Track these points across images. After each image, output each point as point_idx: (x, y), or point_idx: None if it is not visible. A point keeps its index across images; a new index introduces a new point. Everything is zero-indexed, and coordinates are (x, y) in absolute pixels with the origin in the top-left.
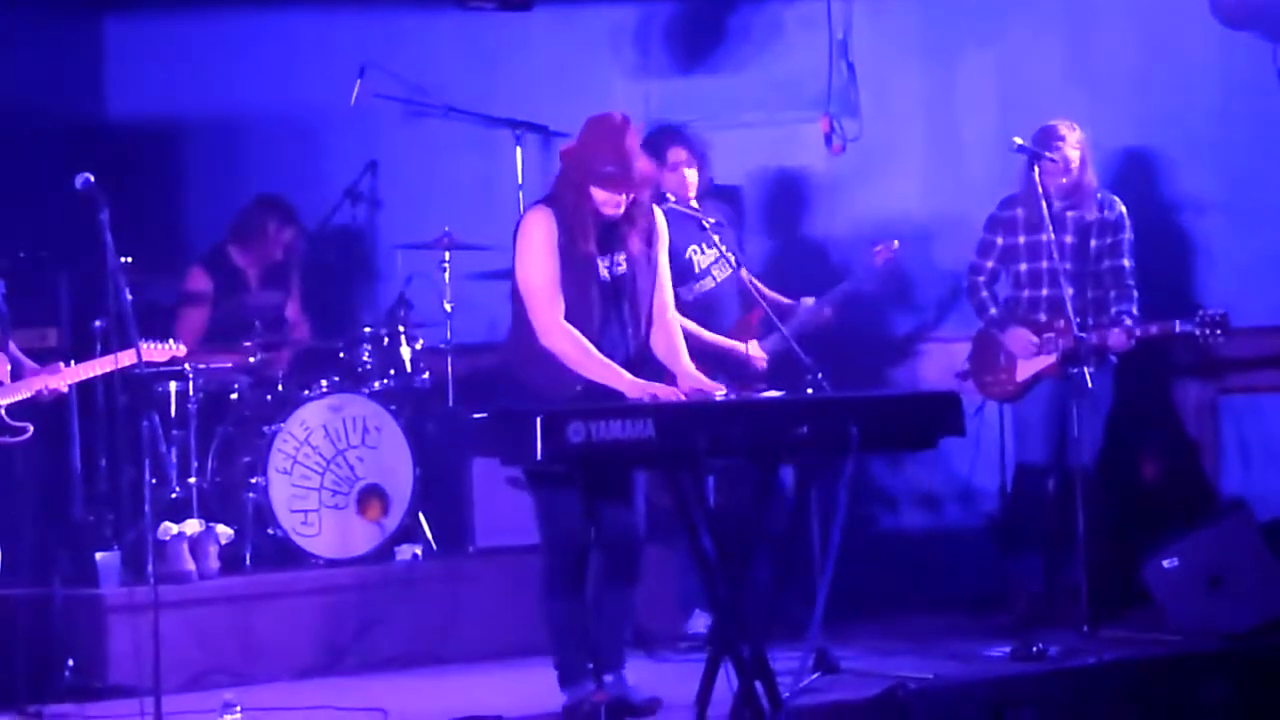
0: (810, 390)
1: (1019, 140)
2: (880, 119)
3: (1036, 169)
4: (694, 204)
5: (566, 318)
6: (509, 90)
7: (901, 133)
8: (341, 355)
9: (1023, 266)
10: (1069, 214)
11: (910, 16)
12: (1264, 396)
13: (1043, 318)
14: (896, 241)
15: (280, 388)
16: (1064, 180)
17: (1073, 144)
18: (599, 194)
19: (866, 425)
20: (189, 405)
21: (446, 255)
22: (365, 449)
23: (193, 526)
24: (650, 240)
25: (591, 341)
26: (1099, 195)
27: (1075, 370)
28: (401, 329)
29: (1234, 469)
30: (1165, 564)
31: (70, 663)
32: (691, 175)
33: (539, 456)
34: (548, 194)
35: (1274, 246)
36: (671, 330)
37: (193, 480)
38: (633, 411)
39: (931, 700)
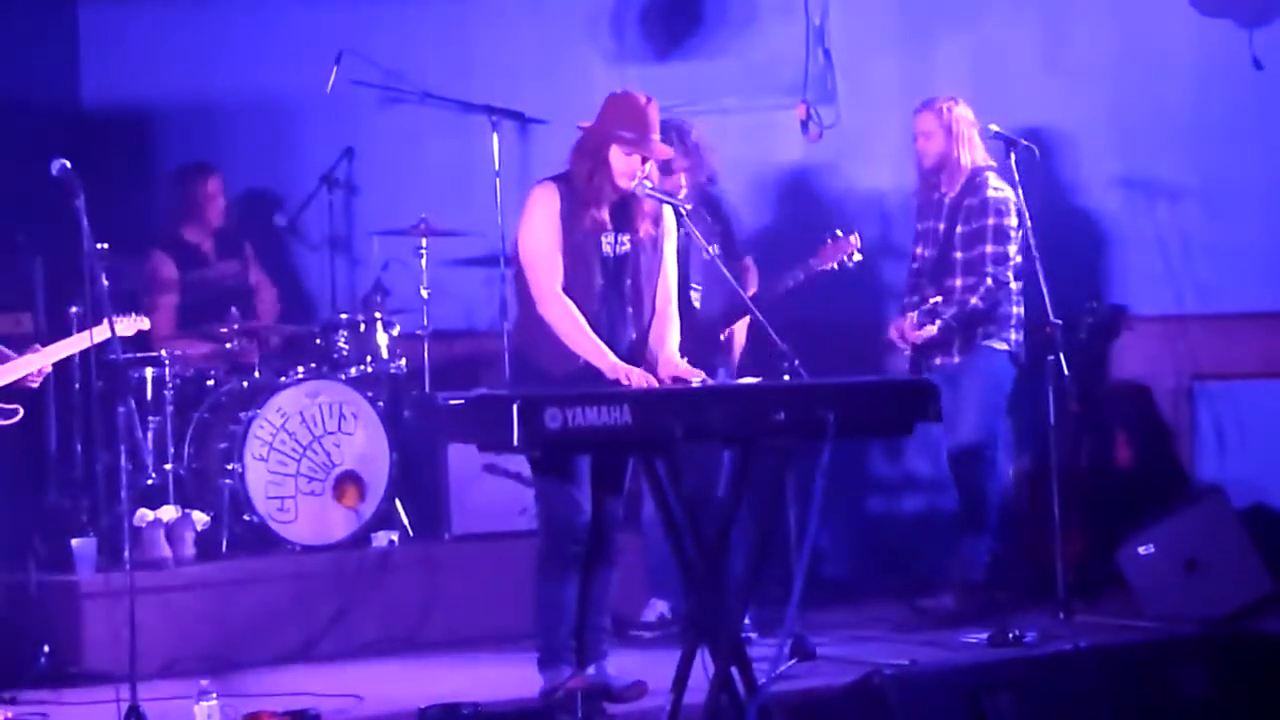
0: (787, 377)
1: (995, 128)
2: (857, 106)
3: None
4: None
5: (566, 290)
6: (485, 76)
7: (878, 120)
8: (318, 341)
9: (919, 250)
10: (948, 197)
11: (887, 2)
12: (1239, 383)
13: (911, 313)
14: (856, 237)
15: (256, 374)
16: (927, 158)
17: (929, 121)
18: (617, 160)
19: (843, 411)
20: (165, 391)
21: (423, 242)
22: (341, 435)
23: (169, 513)
24: (657, 225)
25: (591, 318)
26: (977, 178)
27: (937, 362)
28: (378, 315)
29: (1210, 455)
30: (1141, 550)
31: (46, 649)
32: (682, 179)
33: (515, 443)
34: (557, 173)
35: (1249, 233)
36: (666, 321)
37: (169, 466)
38: (609, 398)
39: (908, 686)
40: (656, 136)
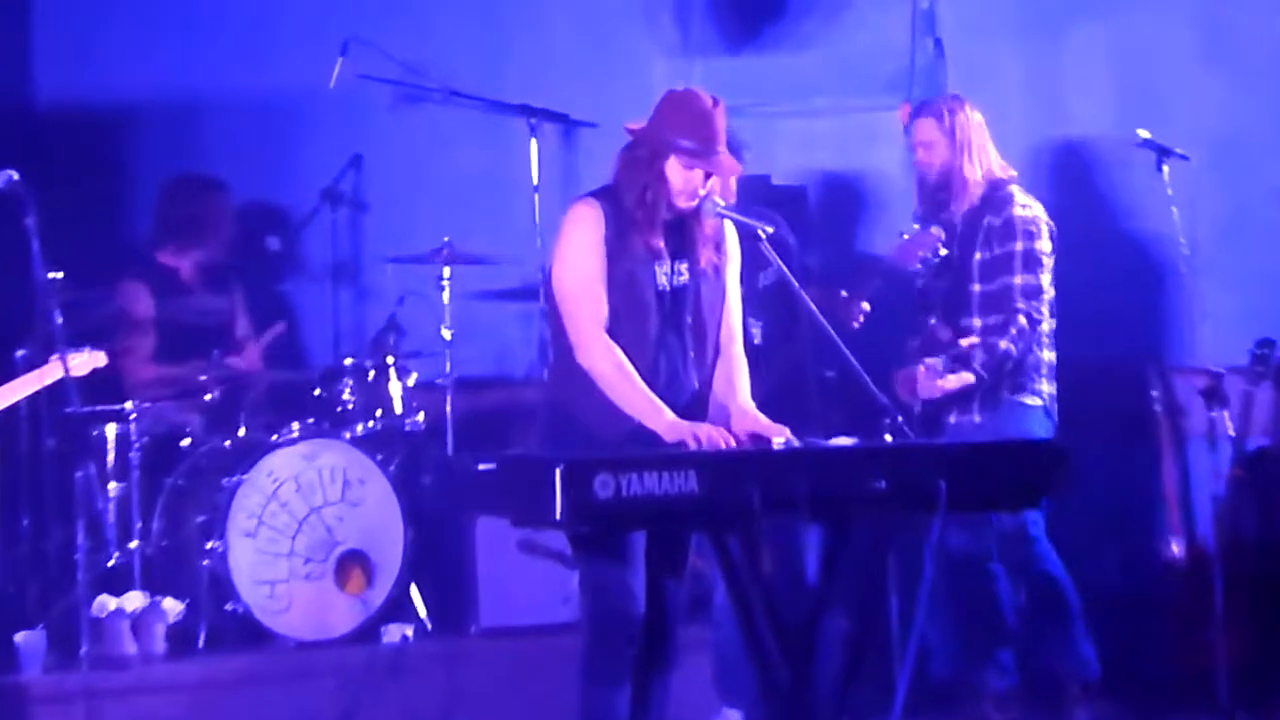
0: (889, 436)
1: (1143, 133)
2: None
3: None
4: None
5: (613, 333)
6: (522, 71)
7: (999, 122)
8: (317, 392)
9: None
10: (958, 218)
11: None
12: None
13: (923, 355)
14: (939, 229)
15: (242, 431)
16: (929, 171)
17: (932, 129)
18: (675, 174)
19: (958, 479)
20: (131, 452)
21: (446, 271)
22: (346, 506)
23: (135, 600)
24: (719, 250)
25: (644, 366)
26: (998, 194)
27: (951, 420)
28: (390, 360)
29: None
30: None
31: None
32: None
33: (558, 516)
34: (601, 186)
35: None
36: (734, 365)
37: (135, 544)
38: (673, 461)
39: None
40: (723, 147)
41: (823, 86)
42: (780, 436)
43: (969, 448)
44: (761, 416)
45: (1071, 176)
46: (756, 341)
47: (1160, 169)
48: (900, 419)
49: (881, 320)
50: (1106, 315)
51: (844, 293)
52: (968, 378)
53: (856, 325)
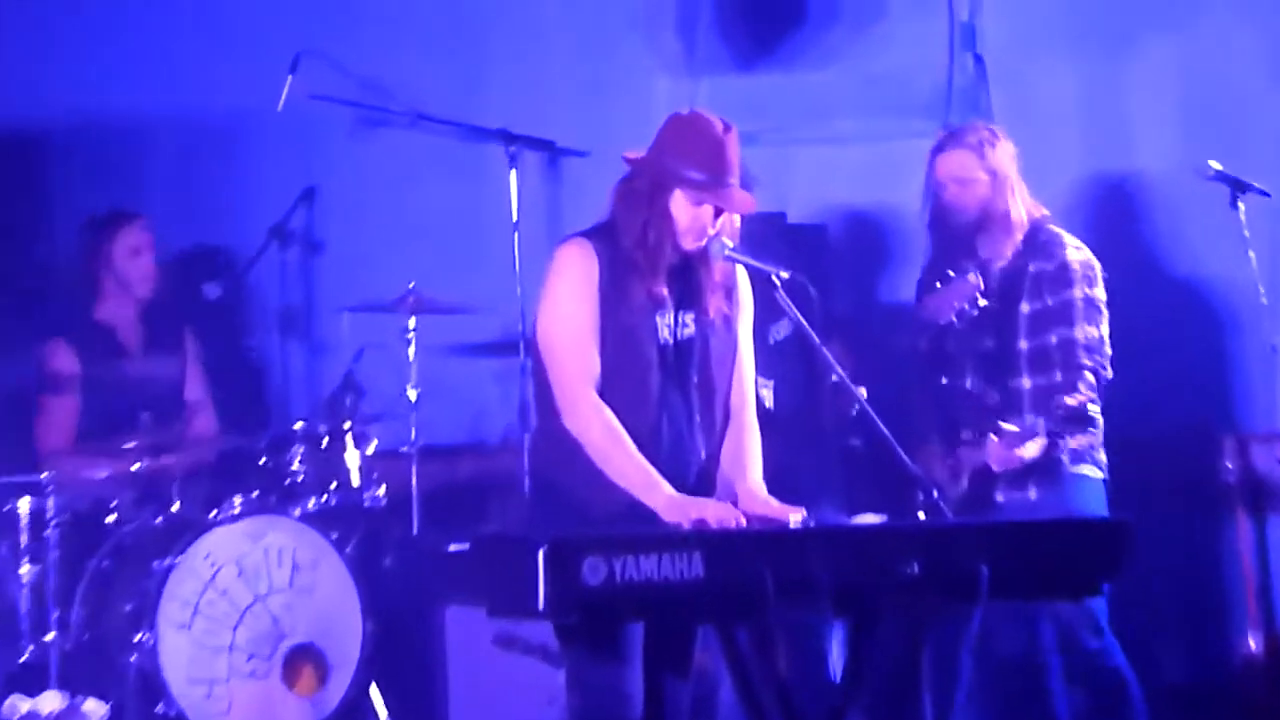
0: (922, 513)
1: (1215, 165)
2: (1021, 132)
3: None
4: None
5: (606, 393)
6: (502, 92)
7: (1048, 152)
8: (263, 461)
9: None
10: (996, 265)
11: None
12: None
13: (961, 422)
14: (977, 275)
15: (176, 506)
16: (963, 213)
17: (970, 162)
18: (680, 210)
19: (1002, 563)
20: (47, 530)
21: (412, 321)
22: (295, 594)
23: (51, 701)
24: (730, 299)
25: (644, 432)
26: (1041, 236)
27: (1005, 497)
28: (347, 425)
29: None
30: None
31: None
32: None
33: (541, 605)
34: (595, 224)
35: None
36: (746, 435)
37: (52, 636)
38: (675, 541)
39: None
40: (736, 179)
41: (847, 109)
42: (796, 515)
43: (1016, 526)
44: (773, 500)
45: (1131, 215)
46: (768, 405)
47: (1235, 206)
48: (935, 493)
49: (913, 380)
50: (1172, 375)
51: (835, 377)
52: (1034, 450)
53: (854, 413)
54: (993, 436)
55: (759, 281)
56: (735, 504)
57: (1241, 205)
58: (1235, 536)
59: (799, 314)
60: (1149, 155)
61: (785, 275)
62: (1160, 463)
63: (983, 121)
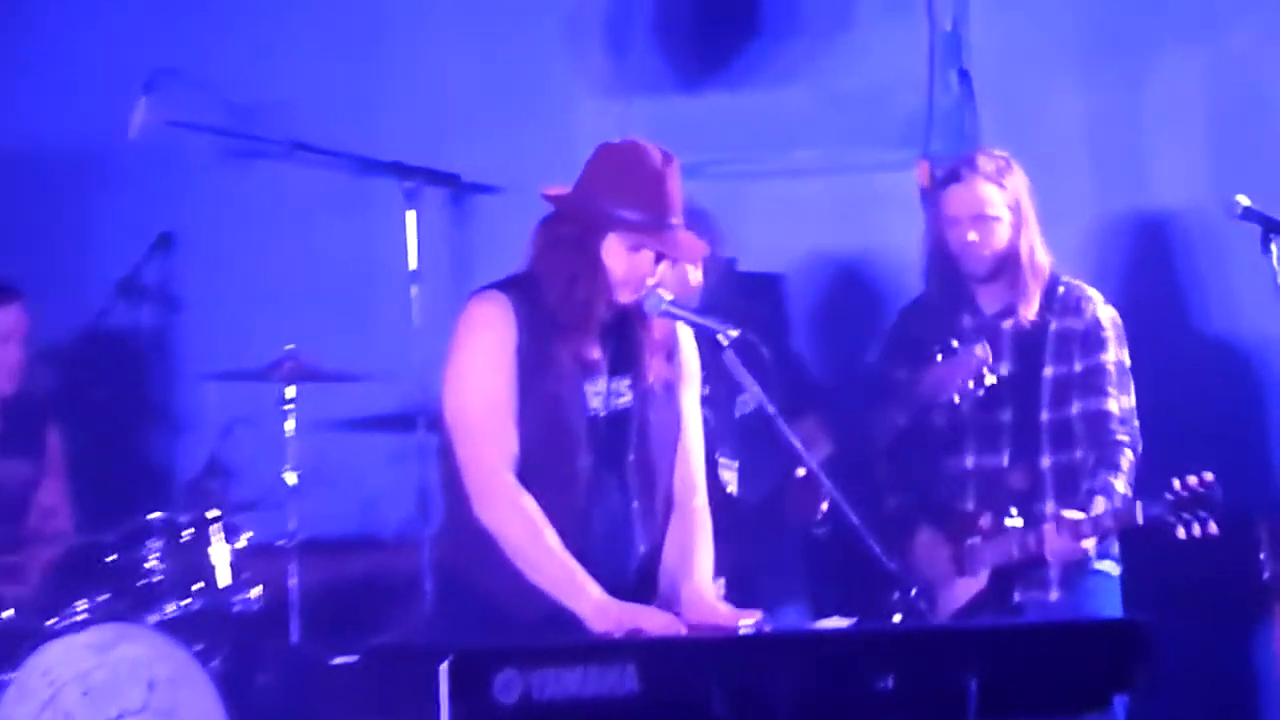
0: (898, 615)
1: (1244, 201)
2: (1017, 162)
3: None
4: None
5: (525, 476)
6: (399, 118)
7: (1052, 186)
8: (113, 558)
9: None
10: (1004, 323)
11: None
12: None
13: (970, 506)
14: (985, 347)
15: (9, 613)
16: (984, 258)
17: (993, 196)
18: (615, 258)
19: (995, 675)
20: None
21: (290, 391)
22: (151, 716)
23: None
24: (671, 361)
25: (571, 521)
26: (1060, 288)
27: (1024, 597)
28: (213, 515)
29: None
30: None
31: None
32: (693, 273)
33: None
34: (511, 275)
35: None
36: (692, 523)
37: None
38: (605, 652)
39: None
40: (680, 219)
41: (809, 135)
42: (747, 620)
43: (1011, 631)
44: (723, 606)
45: (1146, 261)
46: (730, 490)
47: (1268, 249)
48: (915, 592)
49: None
50: (1194, 449)
51: (800, 471)
52: (1088, 544)
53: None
54: (1049, 525)
55: (706, 342)
56: (679, 610)
57: (1275, 249)
58: (1270, 639)
59: (751, 381)
60: (1168, 190)
61: (734, 334)
62: (1185, 554)
63: (995, 149)
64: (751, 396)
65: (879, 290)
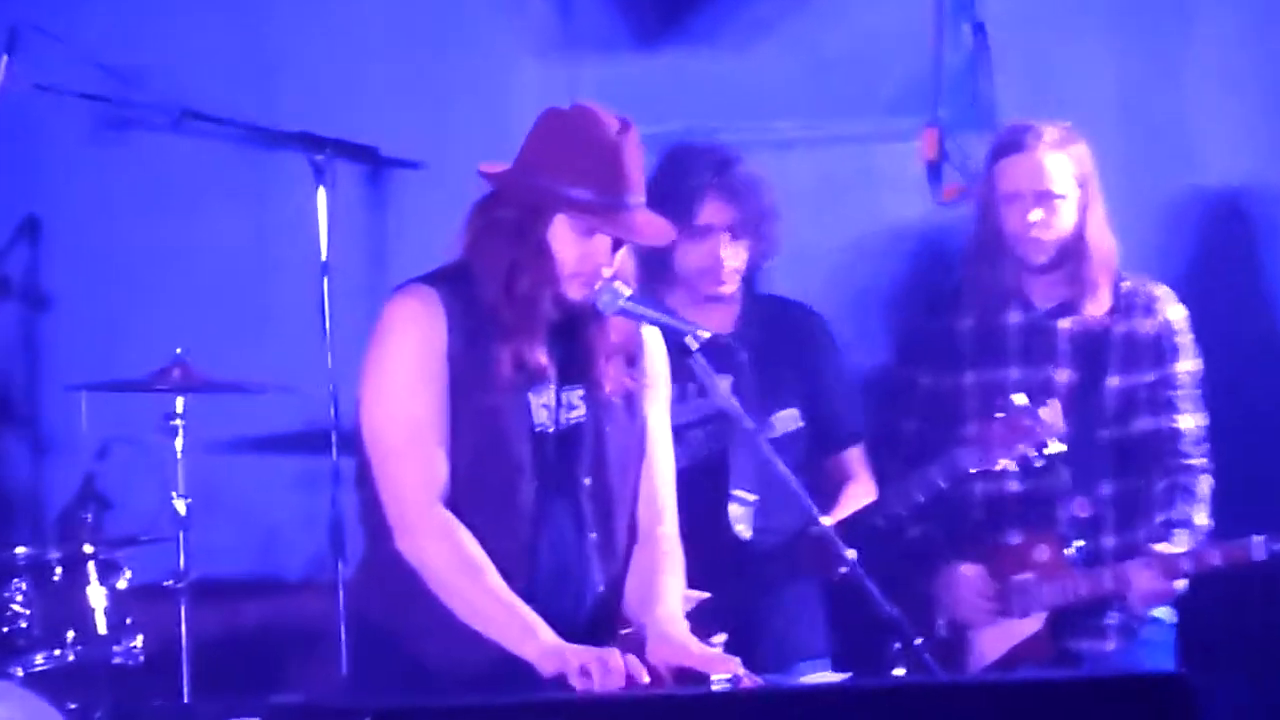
0: (901, 667)
1: None
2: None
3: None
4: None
5: (458, 505)
6: (304, 82)
7: None
8: None
9: (972, 430)
10: (1060, 323)
11: None
12: None
13: (1015, 541)
14: (1055, 408)
15: None
16: (1048, 243)
17: (1059, 169)
18: (565, 244)
19: None
20: None
21: (179, 404)
22: None
23: None
24: (633, 367)
25: (513, 556)
26: (1125, 283)
27: (1080, 646)
28: (88, 550)
29: None
30: None
31: None
32: (732, 253)
33: None
34: (440, 267)
35: None
36: (657, 553)
37: None
38: (545, 711)
39: None
40: (640, 198)
41: (793, 102)
42: (724, 672)
43: (1034, 686)
44: (694, 642)
45: (1198, 248)
46: (741, 530)
47: None
48: (919, 642)
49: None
50: (1246, 474)
51: (818, 524)
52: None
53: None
54: (1142, 568)
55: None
56: (642, 651)
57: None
58: None
59: (726, 394)
60: (1221, 166)
61: (705, 335)
62: (1247, 598)
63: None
64: (789, 416)
65: (873, 283)
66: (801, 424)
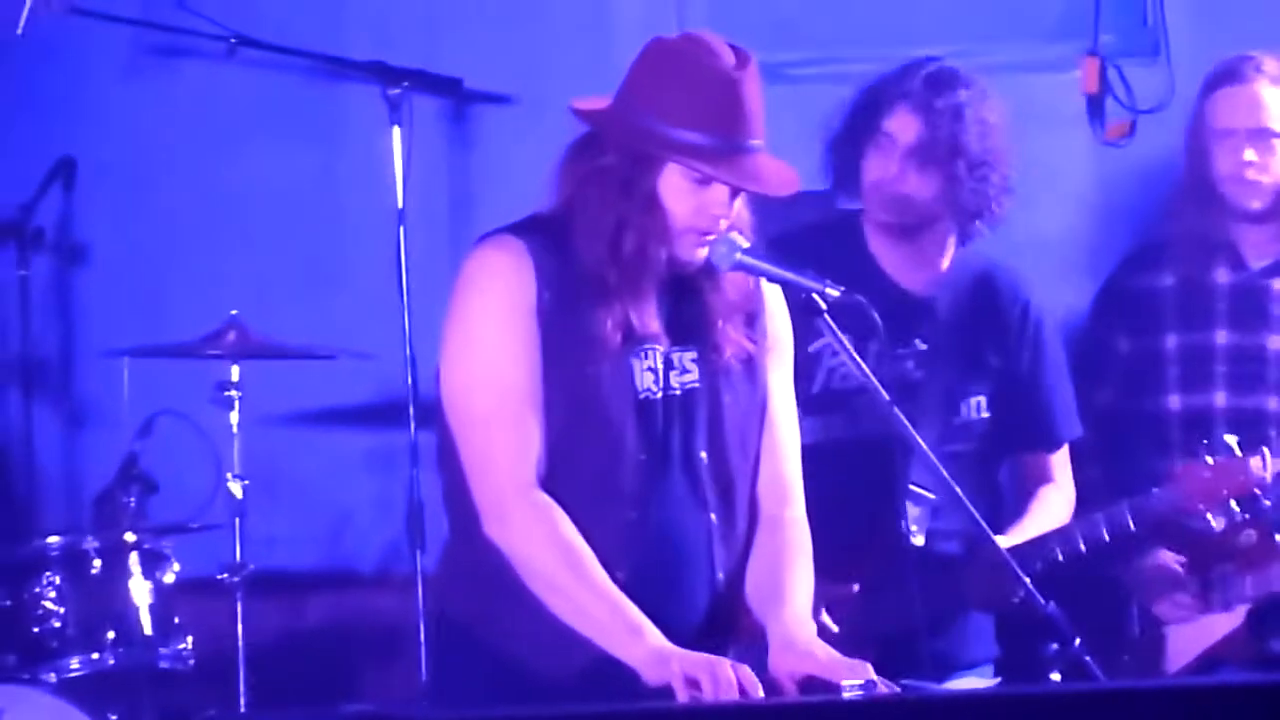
0: (1056, 675)
1: None
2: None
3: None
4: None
5: (554, 485)
6: (376, 6)
7: None
8: (5, 604)
9: (1174, 401)
10: (1275, 283)
11: None
12: None
13: (1220, 524)
14: (1266, 459)
15: None
16: (1265, 187)
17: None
18: (676, 196)
19: None
20: None
21: (235, 372)
22: None
23: None
24: (755, 329)
25: (619, 544)
26: None
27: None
28: (131, 539)
29: None
30: None
31: None
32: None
33: None
34: (530, 215)
35: None
36: (783, 540)
37: None
38: None
39: None
40: (760, 140)
41: (936, 28)
42: (855, 678)
43: (1213, 690)
44: (821, 648)
45: None
46: (914, 535)
47: None
48: (1078, 642)
49: None
50: None
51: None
52: None
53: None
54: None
55: (797, 307)
56: (764, 655)
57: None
58: None
59: (859, 360)
60: None
61: (835, 293)
62: None
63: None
64: (971, 405)
65: (1031, 233)
66: (987, 414)
